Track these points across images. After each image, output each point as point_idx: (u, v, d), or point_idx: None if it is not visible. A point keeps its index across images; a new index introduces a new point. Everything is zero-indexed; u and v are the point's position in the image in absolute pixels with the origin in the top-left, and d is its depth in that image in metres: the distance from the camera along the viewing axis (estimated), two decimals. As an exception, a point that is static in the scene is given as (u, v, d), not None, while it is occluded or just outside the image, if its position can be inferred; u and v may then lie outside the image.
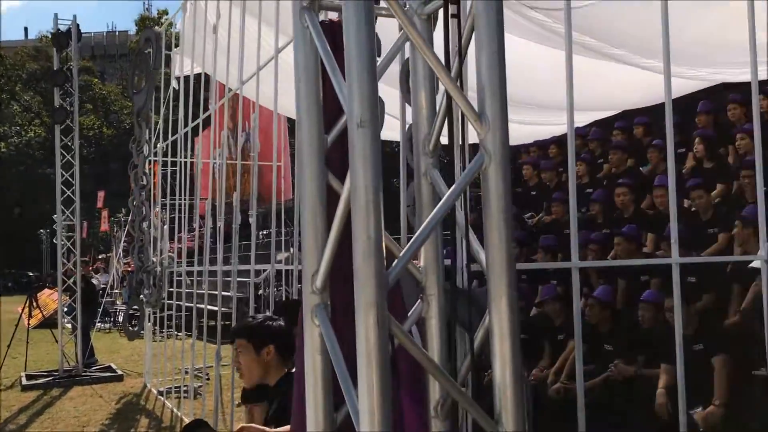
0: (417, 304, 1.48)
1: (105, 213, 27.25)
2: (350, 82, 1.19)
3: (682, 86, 7.34)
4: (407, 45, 1.54)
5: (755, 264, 3.76)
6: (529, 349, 6.38)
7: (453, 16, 1.37)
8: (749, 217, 4.88)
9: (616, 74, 6.62)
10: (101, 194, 26.69)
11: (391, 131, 5.29)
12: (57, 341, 10.64)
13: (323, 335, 1.33)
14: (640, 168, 7.91)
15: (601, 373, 5.33)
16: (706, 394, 4.53)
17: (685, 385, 4.72)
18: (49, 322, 12.32)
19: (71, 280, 10.81)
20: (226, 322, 7.08)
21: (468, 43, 1.37)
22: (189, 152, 9.48)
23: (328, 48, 1.33)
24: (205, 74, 8.79)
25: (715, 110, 7.46)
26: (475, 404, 1.25)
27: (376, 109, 1.18)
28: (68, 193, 10.74)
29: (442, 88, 1.45)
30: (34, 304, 11.71)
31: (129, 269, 23.69)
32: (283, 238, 11.41)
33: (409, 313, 1.48)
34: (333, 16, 1.49)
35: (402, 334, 1.20)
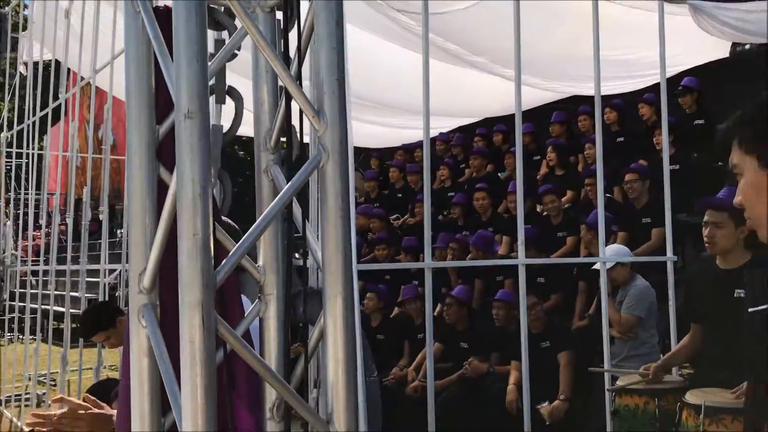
0: (255, 303, 1.44)
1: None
2: (178, 71, 1.13)
3: (538, 96, 7.72)
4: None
5: (597, 266, 4.00)
6: (389, 349, 6.48)
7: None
8: (592, 223, 5.20)
9: (479, 82, 6.85)
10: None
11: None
12: None
13: (150, 337, 1.26)
14: (498, 174, 8.24)
15: (457, 370, 5.50)
16: (553, 389, 4.77)
17: (532, 381, 4.97)
18: None
19: None
20: (75, 325, 6.68)
21: (309, 39, 1.35)
22: (38, 143, 8.87)
23: (161, 36, 1.26)
24: (56, 61, 8.27)
25: (567, 120, 7.89)
26: (307, 404, 1.22)
27: (205, 100, 1.13)
28: None
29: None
30: None
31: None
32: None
33: (246, 314, 1.44)
34: (168, 2, 1.42)
35: (231, 336, 1.15)
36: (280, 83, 1.40)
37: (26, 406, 7.64)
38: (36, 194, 8.72)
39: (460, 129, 9.47)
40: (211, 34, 1.41)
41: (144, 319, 1.27)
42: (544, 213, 6.72)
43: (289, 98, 1.32)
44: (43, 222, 7.82)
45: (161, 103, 1.35)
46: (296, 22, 1.34)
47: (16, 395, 8.02)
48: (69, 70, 7.12)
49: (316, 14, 1.29)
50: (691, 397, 2.93)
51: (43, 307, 8.63)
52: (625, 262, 4.51)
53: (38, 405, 7.60)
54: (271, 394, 1.40)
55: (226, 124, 2.57)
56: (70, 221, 6.73)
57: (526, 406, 3.39)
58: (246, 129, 1.57)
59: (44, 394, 7.73)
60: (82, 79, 6.81)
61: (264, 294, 1.43)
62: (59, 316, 9.78)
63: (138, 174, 1.30)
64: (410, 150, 9.72)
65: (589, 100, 7.44)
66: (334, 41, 1.27)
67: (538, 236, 5.91)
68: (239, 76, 1.66)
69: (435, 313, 6.10)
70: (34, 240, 11.38)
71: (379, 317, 6.64)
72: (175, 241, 1.22)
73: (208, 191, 1.12)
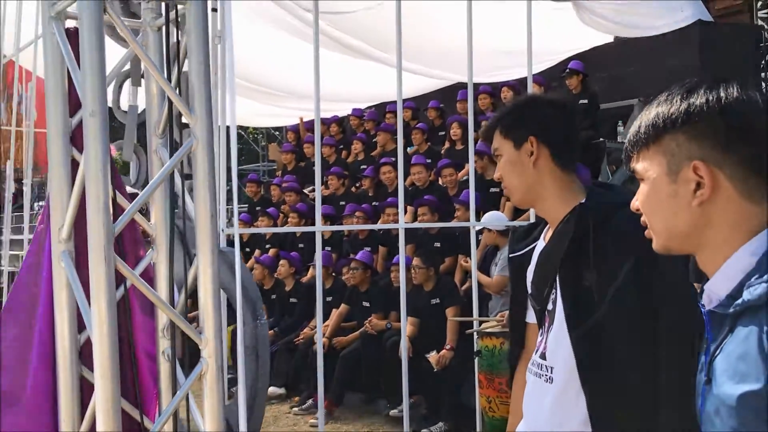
0: (150, 251, 1.91)
1: None
2: (84, 80, 1.58)
3: (442, 82, 8.34)
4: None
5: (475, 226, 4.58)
6: (301, 311, 7.00)
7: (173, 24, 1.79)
8: (464, 200, 5.89)
9: (380, 72, 7.37)
10: None
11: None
12: None
13: (68, 275, 1.72)
14: (407, 148, 8.80)
15: (360, 327, 6.06)
16: (442, 340, 5.37)
17: (425, 334, 5.56)
18: None
19: None
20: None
21: (186, 51, 1.81)
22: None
23: (71, 52, 1.70)
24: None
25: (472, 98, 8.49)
26: (186, 322, 1.71)
27: (105, 102, 1.58)
28: None
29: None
30: None
31: None
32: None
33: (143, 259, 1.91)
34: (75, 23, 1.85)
35: (127, 271, 1.62)
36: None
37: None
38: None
39: (375, 106, 9.98)
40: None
41: (62, 262, 1.73)
42: (443, 185, 7.32)
43: (170, 104, 1.78)
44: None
45: (73, 100, 1.79)
46: (177, 40, 1.80)
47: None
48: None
49: (188, 35, 1.75)
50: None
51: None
52: (493, 227, 5.13)
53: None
54: (162, 318, 1.88)
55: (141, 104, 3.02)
56: None
57: (404, 356, 3.87)
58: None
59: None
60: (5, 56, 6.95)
61: (156, 244, 1.90)
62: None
63: (56, 154, 1.75)
64: (326, 124, 10.16)
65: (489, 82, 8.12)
66: (201, 56, 1.73)
67: (436, 205, 6.50)
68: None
69: (342, 277, 6.67)
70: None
71: (292, 282, 7.14)
72: (84, 204, 1.68)
73: (107, 168, 1.57)
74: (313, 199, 8.90)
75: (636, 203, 1.10)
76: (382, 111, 9.69)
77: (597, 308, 1.56)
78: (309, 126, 10.25)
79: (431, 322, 5.44)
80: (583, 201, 1.70)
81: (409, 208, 7.36)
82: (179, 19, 1.80)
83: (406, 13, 4.62)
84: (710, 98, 1.01)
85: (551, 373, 1.69)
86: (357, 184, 8.77)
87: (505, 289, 5.17)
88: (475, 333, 3.94)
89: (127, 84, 2.08)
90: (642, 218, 1.11)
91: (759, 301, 0.88)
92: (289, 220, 8.05)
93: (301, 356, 6.46)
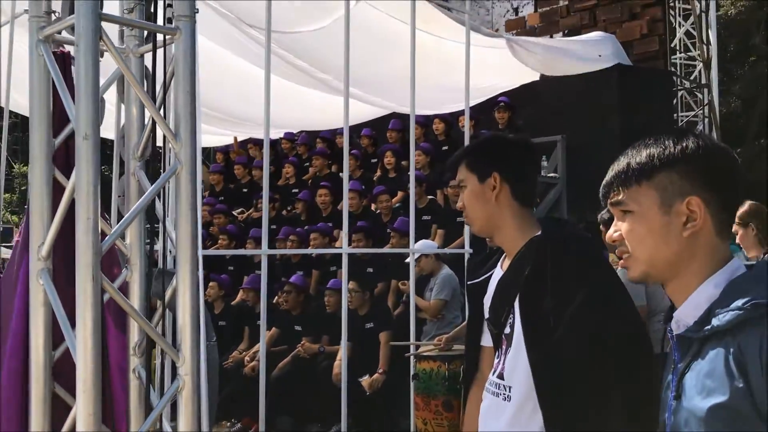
0: (124, 270, 1.96)
1: None
2: (78, 106, 1.63)
3: (378, 110, 8.54)
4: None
5: (407, 259, 4.74)
6: (230, 334, 6.96)
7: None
8: (398, 228, 6.08)
9: (323, 99, 7.49)
10: None
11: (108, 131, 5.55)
12: None
13: (46, 291, 1.75)
14: (340, 174, 8.92)
15: (291, 351, 6.09)
16: (375, 364, 5.48)
17: (358, 358, 5.64)
18: None
19: None
20: None
21: (171, 78, 1.88)
22: None
23: (61, 75, 1.75)
24: None
25: (403, 128, 8.72)
26: (163, 338, 1.76)
27: (97, 127, 1.64)
28: None
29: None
30: None
31: None
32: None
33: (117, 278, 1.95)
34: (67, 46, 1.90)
35: (110, 287, 1.67)
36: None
37: None
38: None
39: (305, 131, 10.07)
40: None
41: (41, 279, 1.76)
42: (377, 211, 7.47)
43: (154, 124, 1.85)
44: None
45: (56, 121, 1.84)
46: (164, 67, 1.88)
47: None
48: None
49: (176, 65, 1.83)
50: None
51: None
52: (429, 254, 5.31)
53: None
54: (134, 336, 1.92)
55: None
56: None
57: (344, 378, 3.98)
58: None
59: None
60: None
61: (130, 264, 1.95)
62: None
63: (38, 174, 1.78)
64: (258, 146, 10.17)
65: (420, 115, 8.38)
66: (188, 86, 1.81)
67: (370, 231, 6.64)
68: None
69: (274, 301, 6.68)
70: None
71: (222, 305, 7.09)
72: (65, 225, 1.73)
73: (97, 190, 1.63)
74: (243, 222, 8.91)
75: (615, 235, 1.22)
76: (313, 136, 9.80)
77: (554, 331, 1.71)
78: (240, 147, 10.24)
79: (365, 346, 5.53)
80: (538, 233, 1.87)
81: (341, 233, 7.47)
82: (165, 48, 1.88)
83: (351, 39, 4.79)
84: (699, 143, 1.16)
85: (509, 392, 1.83)
86: (288, 208, 8.81)
87: (441, 313, 5.33)
88: (412, 356, 4.07)
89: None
90: (619, 248, 1.25)
91: (726, 326, 1.04)
92: (219, 242, 8.01)
93: (229, 379, 6.41)
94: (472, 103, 7.63)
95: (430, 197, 7.24)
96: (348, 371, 5.59)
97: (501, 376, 1.86)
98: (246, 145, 10.37)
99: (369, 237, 6.62)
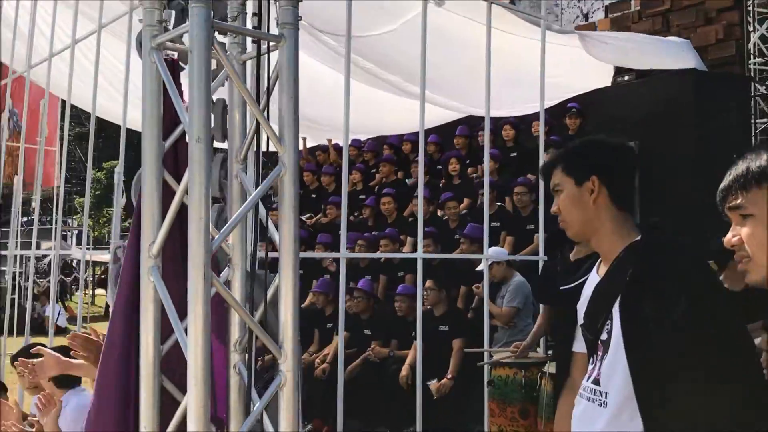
0: (225, 269, 2.03)
1: None
2: (191, 109, 1.70)
3: (443, 114, 8.54)
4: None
5: (479, 267, 4.74)
6: (300, 336, 7.05)
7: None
8: (469, 234, 6.05)
9: (389, 102, 7.53)
10: None
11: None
12: None
13: (156, 288, 1.82)
14: (406, 180, 8.97)
15: (360, 355, 6.14)
16: (444, 368, 5.48)
17: (428, 361, 5.66)
18: None
19: None
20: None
21: (274, 84, 1.94)
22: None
23: (173, 81, 1.83)
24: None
25: (469, 135, 8.70)
26: (266, 334, 1.82)
27: (209, 130, 1.71)
28: None
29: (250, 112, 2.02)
30: None
31: None
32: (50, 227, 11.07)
33: (220, 275, 2.02)
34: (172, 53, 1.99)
35: (219, 284, 1.74)
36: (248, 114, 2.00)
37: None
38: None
39: (373, 137, 10.16)
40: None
41: (152, 276, 1.84)
42: (444, 218, 7.47)
43: (258, 127, 1.90)
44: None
45: (166, 124, 1.92)
46: (266, 73, 1.94)
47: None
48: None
49: (280, 71, 1.89)
50: (549, 367, 3.68)
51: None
52: (501, 260, 5.29)
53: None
54: (234, 334, 1.98)
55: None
56: None
57: (419, 380, 4.01)
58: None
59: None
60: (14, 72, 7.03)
61: (232, 263, 2.01)
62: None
63: (149, 176, 1.86)
64: (326, 152, 10.31)
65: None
66: (292, 92, 1.87)
67: (438, 237, 6.65)
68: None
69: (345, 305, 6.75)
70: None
71: (292, 308, 7.19)
72: (173, 226, 1.81)
73: (209, 192, 1.70)
74: (313, 227, 9.03)
75: (734, 239, 1.25)
76: (379, 143, 9.87)
77: (656, 336, 1.69)
78: (309, 153, 10.38)
79: (436, 349, 5.54)
80: (638, 238, 1.85)
81: (408, 239, 7.51)
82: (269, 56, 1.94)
83: (418, 39, 4.81)
84: None
85: (605, 397, 1.81)
86: (355, 213, 8.90)
87: (513, 321, 5.30)
88: (486, 364, 4.06)
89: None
90: (738, 253, 1.25)
91: None
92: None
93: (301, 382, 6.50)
94: (544, 105, 7.60)
95: (498, 204, 7.21)
96: (415, 374, 5.61)
97: (597, 382, 1.85)
98: (314, 152, 10.53)
99: (437, 243, 6.63)
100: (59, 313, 11.72)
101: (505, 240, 6.61)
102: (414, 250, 7.32)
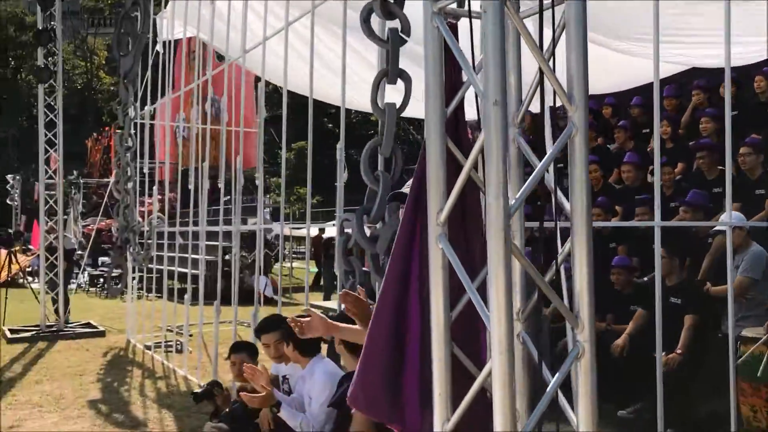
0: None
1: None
2: (487, 71, 1.65)
3: (649, 74, 7.97)
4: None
5: (720, 227, 4.36)
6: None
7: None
8: (692, 202, 5.57)
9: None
10: (53, 155, 26.42)
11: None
12: (36, 298, 10.90)
13: (445, 253, 1.81)
14: (608, 146, 8.55)
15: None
16: (673, 342, 5.14)
17: (654, 333, 5.37)
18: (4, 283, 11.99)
19: (53, 237, 11.00)
20: (193, 286, 7.49)
21: (557, 42, 1.85)
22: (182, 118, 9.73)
23: (458, 44, 1.80)
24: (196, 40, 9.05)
25: (679, 94, 8.11)
26: (561, 301, 1.75)
27: (506, 92, 1.65)
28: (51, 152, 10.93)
29: (528, 74, 1.95)
30: (14, 260, 11.82)
31: (88, 230, 23.63)
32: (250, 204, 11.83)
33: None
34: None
35: (516, 250, 1.69)
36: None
37: (170, 352, 8.57)
38: (150, 163, 9.71)
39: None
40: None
41: (440, 242, 1.83)
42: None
43: (542, 87, 1.82)
44: (156, 189, 8.68)
45: (447, 90, 1.89)
46: (552, 29, 1.85)
47: (155, 343, 8.99)
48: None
49: (567, 24, 1.78)
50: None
51: (169, 268, 9.54)
52: (740, 227, 4.84)
53: (179, 351, 8.51)
54: (516, 302, 1.93)
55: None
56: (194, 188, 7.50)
57: (658, 354, 3.79)
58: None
59: (181, 343, 8.66)
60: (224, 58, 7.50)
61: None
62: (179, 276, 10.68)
63: (434, 143, 1.85)
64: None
65: (706, 73, 7.66)
66: (581, 47, 1.76)
67: (652, 205, 6.25)
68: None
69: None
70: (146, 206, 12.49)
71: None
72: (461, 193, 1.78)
73: (506, 154, 1.64)
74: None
75: None
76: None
77: None
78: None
79: (665, 321, 5.23)
80: None
81: (618, 207, 7.15)
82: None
83: None
84: None
85: None
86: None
87: (749, 293, 4.88)
88: (737, 339, 3.76)
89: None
90: None
91: None
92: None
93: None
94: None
95: (719, 168, 6.65)
96: (637, 344, 5.31)
97: None
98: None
99: (653, 211, 6.22)
100: (266, 284, 12.50)
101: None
102: (624, 219, 6.97)
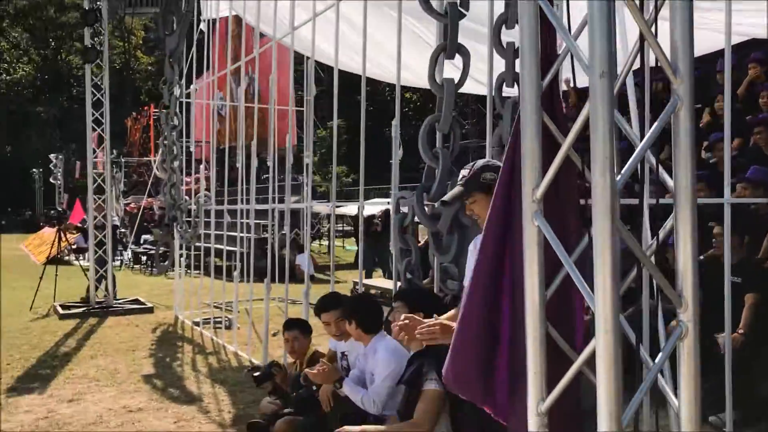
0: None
1: (99, 153, 27.50)
2: (593, 42, 1.59)
3: (703, 44, 7.74)
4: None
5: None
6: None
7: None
8: (753, 178, 5.41)
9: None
10: (95, 135, 26.82)
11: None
12: (85, 274, 11.11)
13: (541, 229, 1.77)
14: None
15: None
16: (732, 321, 5.03)
17: (716, 312, 5.27)
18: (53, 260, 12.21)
19: (101, 214, 11.17)
20: (235, 263, 7.54)
21: (661, 6, 1.78)
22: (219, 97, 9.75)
23: (554, 11, 1.74)
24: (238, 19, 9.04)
25: (736, 68, 7.86)
26: (665, 280, 1.70)
27: (614, 64, 1.60)
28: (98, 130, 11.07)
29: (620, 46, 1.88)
30: (63, 238, 12.05)
31: (130, 209, 24.01)
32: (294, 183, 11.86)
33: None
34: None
35: (623, 228, 1.64)
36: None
37: (219, 328, 8.67)
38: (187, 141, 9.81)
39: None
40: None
41: (536, 219, 1.78)
42: (711, 160, 6.86)
43: (642, 48, 1.74)
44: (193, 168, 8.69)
45: (543, 62, 1.83)
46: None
47: (204, 319, 9.11)
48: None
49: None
50: None
51: (216, 246, 9.64)
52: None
53: (228, 328, 8.62)
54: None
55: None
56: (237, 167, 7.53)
57: (727, 335, 3.71)
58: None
59: (229, 320, 8.76)
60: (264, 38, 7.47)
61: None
62: (219, 253, 10.74)
63: (529, 116, 1.80)
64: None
65: (762, 45, 7.41)
66: (687, 14, 1.70)
67: (712, 181, 6.11)
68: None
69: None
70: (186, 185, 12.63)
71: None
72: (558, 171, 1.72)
73: (612, 128, 1.59)
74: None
75: None
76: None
77: None
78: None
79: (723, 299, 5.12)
80: None
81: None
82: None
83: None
84: None
85: None
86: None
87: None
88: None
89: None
90: None
91: None
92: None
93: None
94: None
95: (777, 144, 6.46)
96: (702, 327, 5.19)
97: None
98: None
99: (711, 187, 6.08)
100: (309, 262, 12.56)
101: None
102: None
